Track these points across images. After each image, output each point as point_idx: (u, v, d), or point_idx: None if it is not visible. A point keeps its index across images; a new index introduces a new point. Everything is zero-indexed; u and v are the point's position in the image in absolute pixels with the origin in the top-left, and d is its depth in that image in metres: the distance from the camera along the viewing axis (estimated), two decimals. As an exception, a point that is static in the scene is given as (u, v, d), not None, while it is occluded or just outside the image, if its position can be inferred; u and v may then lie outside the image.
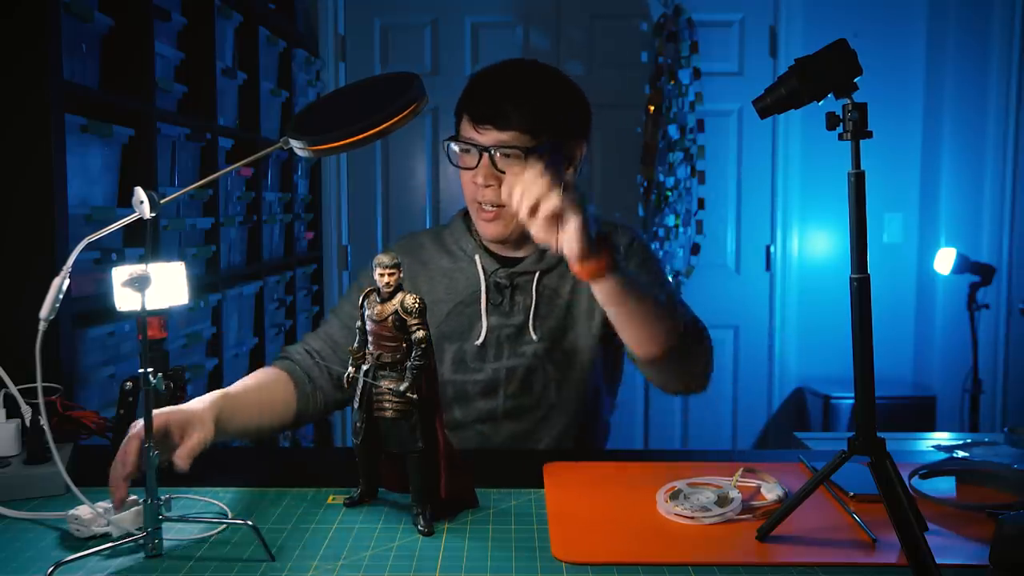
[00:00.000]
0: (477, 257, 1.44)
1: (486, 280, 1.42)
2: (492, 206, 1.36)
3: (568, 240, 1.07)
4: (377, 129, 0.94)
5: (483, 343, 1.41)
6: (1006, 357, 3.15)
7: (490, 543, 0.95)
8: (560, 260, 1.43)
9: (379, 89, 1.01)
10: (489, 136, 1.33)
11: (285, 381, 1.34)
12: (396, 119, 0.95)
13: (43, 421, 0.93)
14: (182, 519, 1.00)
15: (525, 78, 1.40)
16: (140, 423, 0.98)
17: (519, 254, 1.45)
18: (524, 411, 1.42)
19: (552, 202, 1.05)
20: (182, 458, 1.03)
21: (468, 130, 1.35)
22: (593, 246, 1.09)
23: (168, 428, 1.05)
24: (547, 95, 1.38)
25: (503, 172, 1.33)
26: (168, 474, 1.01)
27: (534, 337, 1.41)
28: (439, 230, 1.54)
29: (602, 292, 1.17)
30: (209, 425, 1.09)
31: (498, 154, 1.33)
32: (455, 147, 1.38)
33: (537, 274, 1.43)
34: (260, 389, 1.28)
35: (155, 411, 0.99)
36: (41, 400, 0.91)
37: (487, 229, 1.40)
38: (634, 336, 1.23)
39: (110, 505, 0.97)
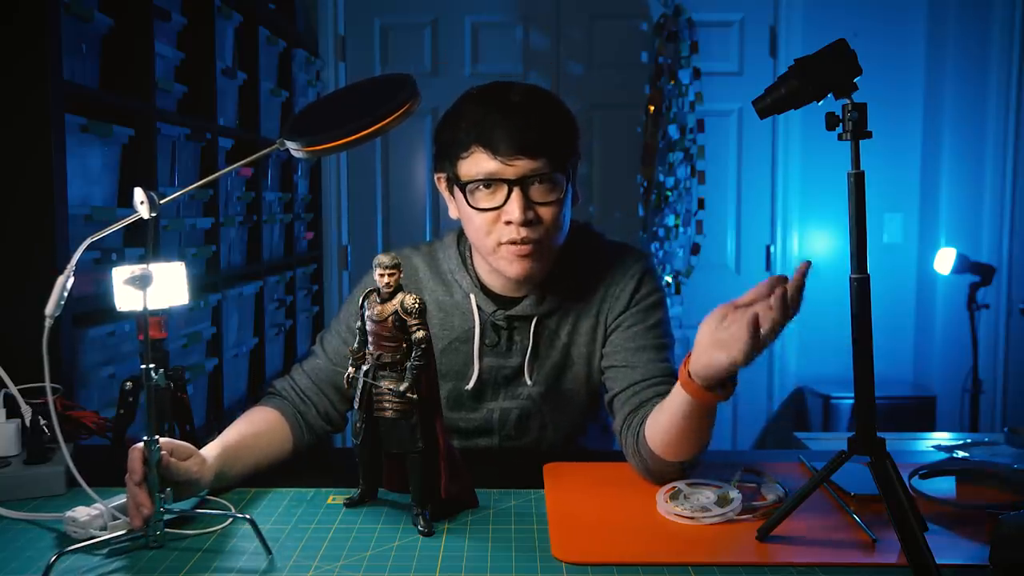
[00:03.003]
0: (472, 297, 1.34)
1: (481, 322, 1.34)
2: (528, 243, 1.24)
3: (752, 344, 0.95)
4: (371, 129, 0.95)
5: (478, 385, 1.34)
6: (1006, 357, 3.15)
7: (490, 543, 0.95)
8: (560, 304, 1.35)
9: (373, 90, 1.01)
10: (520, 166, 1.21)
11: (281, 423, 1.26)
12: (389, 119, 0.95)
13: (52, 413, 0.93)
14: (183, 512, 1.00)
15: (533, 100, 1.28)
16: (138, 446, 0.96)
17: (517, 294, 1.35)
18: (520, 450, 1.38)
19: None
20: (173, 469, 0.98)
21: (485, 164, 1.22)
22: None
23: (171, 449, 0.99)
24: (560, 114, 1.29)
25: (540, 203, 1.23)
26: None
27: (529, 381, 1.34)
28: (433, 251, 1.41)
29: (702, 405, 1.05)
30: (209, 469, 1.05)
31: (533, 184, 1.23)
32: (474, 186, 1.24)
33: (536, 317, 1.34)
34: (259, 436, 1.21)
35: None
36: (49, 394, 0.91)
37: (518, 268, 1.27)
38: (672, 442, 1.11)
39: (105, 508, 0.96)
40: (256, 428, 1.21)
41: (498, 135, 1.21)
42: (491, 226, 1.25)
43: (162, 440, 0.96)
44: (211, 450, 1.10)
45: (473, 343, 1.34)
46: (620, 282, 1.35)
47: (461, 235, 1.40)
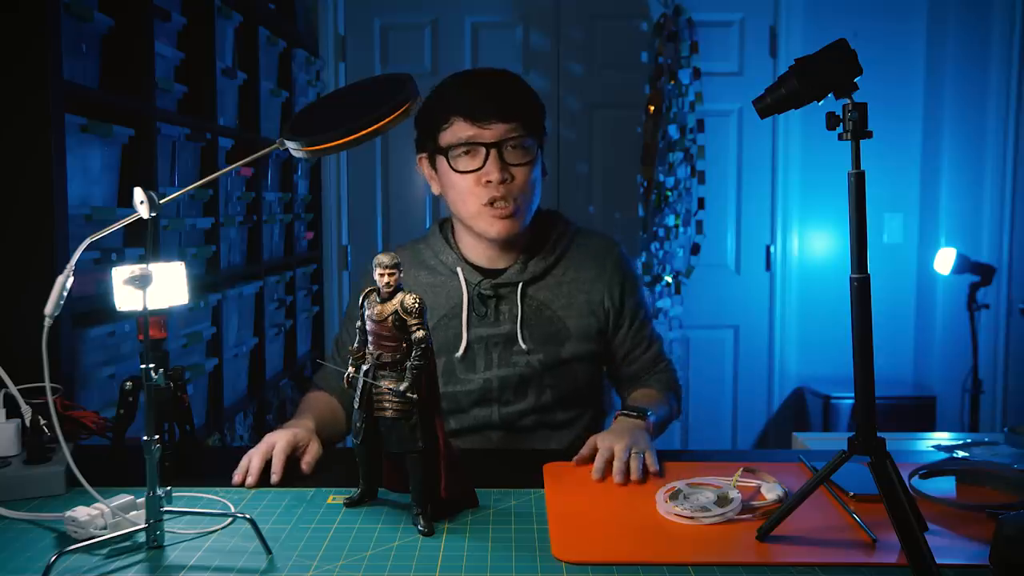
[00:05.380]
0: (459, 270, 1.45)
1: (469, 292, 1.43)
2: (506, 202, 1.38)
3: (623, 471, 1.16)
4: (370, 129, 0.95)
5: (468, 354, 1.43)
6: (1006, 357, 3.15)
7: (490, 543, 0.95)
8: (544, 272, 1.46)
9: (373, 90, 1.02)
10: (495, 130, 1.36)
11: (338, 405, 1.46)
12: (388, 119, 0.96)
13: (52, 413, 0.93)
14: (184, 512, 1.00)
15: (504, 76, 1.45)
16: (274, 441, 1.18)
17: (500, 265, 1.47)
18: (520, 419, 1.43)
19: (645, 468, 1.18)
20: (308, 464, 1.19)
21: (465, 131, 1.37)
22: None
23: (296, 442, 1.20)
24: (527, 90, 1.44)
25: (514, 164, 1.37)
26: (174, 473, 1.01)
27: (524, 347, 1.42)
28: (414, 244, 1.54)
29: None
30: (319, 442, 1.26)
31: (508, 147, 1.37)
32: (456, 151, 1.38)
33: (521, 285, 1.44)
34: (333, 412, 1.43)
35: (281, 430, 1.21)
36: (49, 393, 0.91)
37: (498, 228, 1.39)
38: None
39: (105, 508, 0.96)
40: (331, 406, 1.44)
41: (475, 104, 1.36)
42: (473, 187, 1.38)
43: (287, 436, 1.19)
44: (310, 423, 1.30)
45: (461, 315, 1.43)
46: (606, 266, 1.50)
47: (443, 223, 1.54)
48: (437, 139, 1.40)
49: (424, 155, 1.47)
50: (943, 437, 1.74)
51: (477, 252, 1.47)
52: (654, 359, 1.56)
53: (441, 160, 1.41)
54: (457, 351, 1.43)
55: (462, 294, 1.43)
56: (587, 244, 1.52)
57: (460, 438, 1.44)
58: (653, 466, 1.18)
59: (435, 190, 1.47)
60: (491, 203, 1.38)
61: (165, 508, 0.94)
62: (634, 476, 1.15)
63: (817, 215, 3.50)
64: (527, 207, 1.42)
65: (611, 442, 1.21)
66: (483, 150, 1.36)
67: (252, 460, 1.15)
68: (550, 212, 1.54)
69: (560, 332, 1.44)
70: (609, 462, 1.18)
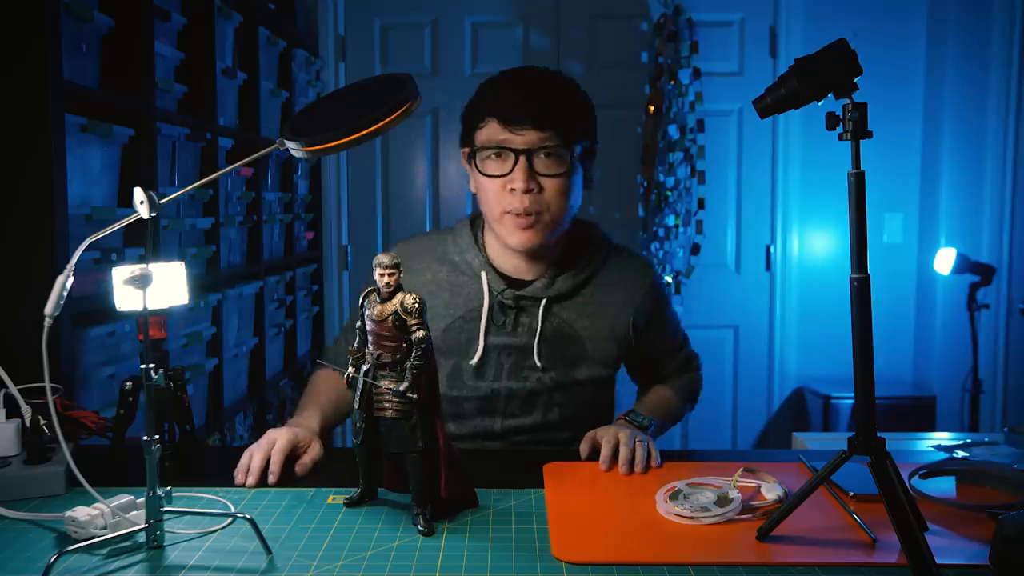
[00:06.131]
0: (484, 275, 1.39)
1: (491, 299, 1.38)
2: (529, 213, 1.31)
3: (628, 460, 1.19)
4: (371, 129, 0.95)
5: (481, 362, 1.39)
6: (1006, 357, 3.15)
7: (490, 543, 0.95)
8: (572, 291, 1.41)
9: (373, 90, 1.01)
10: (528, 137, 1.29)
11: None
12: (388, 119, 0.95)
13: (52, 413, 0.93)
14: (184, 512, 1.00)
15: (550, 80, 1.37)
16: (274, 438, 1.17)
17: (527, 275, 1.41)
18: (521, 434, 1.41)
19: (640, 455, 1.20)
20: (304, 465, 1.18)
21: (497, 134, 1.31)
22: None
23: (297, 442, 1.19)
24: (575, 96, 1.37)
25: (544, 175, 1.31)
26: (174, 473, 1.01)
27: (539, 363, 1.38)
28: (443, 237, 1.47)
29: None
30: (319, 438, 1.24)
31: (539, 155, 1.30)
32: (485, 153, 1.33)
33: (545, 300, 1.39)
34: (339, 393, 1.38)
35: (284, 428, 1.20)
36: (49, 394, 0.91)
37: (520, 238, 1.33)
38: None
39: (105, 508, 0.96)
40: (338, 386, 1.38)
41: (509, 106, 1.30)
42: (499, 193, 1.33)
43: (287, 436, 1.17)
44: (313, 421, 1.28)
45: (480, 320, 1.38)
46: (637, 292, 1.45)
47: (474, 219, 1.47)
48: (473, 137, 1.35)
49: (466, 150, 1.41)
50: (943, 437, 1.74)
51: (504, 258, 1.41)
52: (685, 360, 1.58)
53: (473, 158, 1.37)
54: (468, 356, 1.39)
55: (482, 299, 1.38)
56: (620, 265, 1.46)
57: (457, 444, 1.43)
58: (656, 460, 1.20)
59: (472, 188, 1.42)
60: (515, 212, 1.32)
61: (165, 508, 0.94)
62: (638, 467, 1.17)
63: (817, 215, 3.50)
64: (555, 221, 1.34)
65: (614, 433, 1.22)
66: (512, 156, 1.30)
67: (253, 458, 1.15)
68: (586, 223, 1.48)
69: (578, 353, 1.40)
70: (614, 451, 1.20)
